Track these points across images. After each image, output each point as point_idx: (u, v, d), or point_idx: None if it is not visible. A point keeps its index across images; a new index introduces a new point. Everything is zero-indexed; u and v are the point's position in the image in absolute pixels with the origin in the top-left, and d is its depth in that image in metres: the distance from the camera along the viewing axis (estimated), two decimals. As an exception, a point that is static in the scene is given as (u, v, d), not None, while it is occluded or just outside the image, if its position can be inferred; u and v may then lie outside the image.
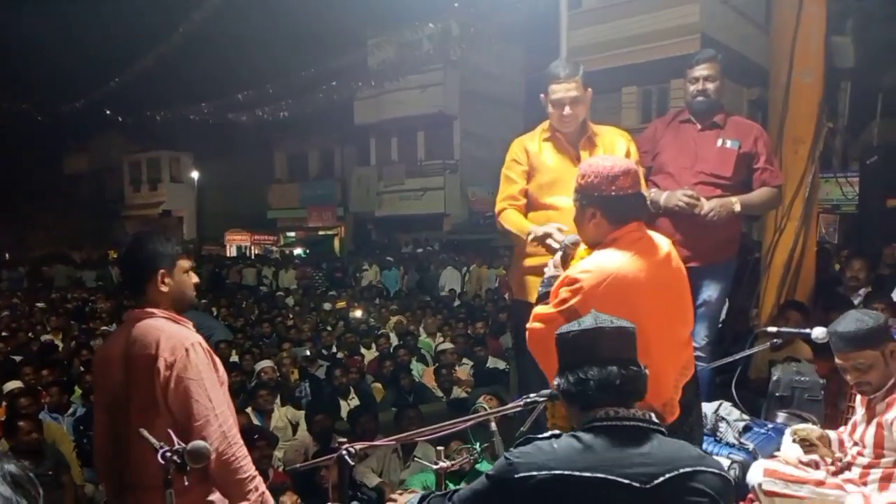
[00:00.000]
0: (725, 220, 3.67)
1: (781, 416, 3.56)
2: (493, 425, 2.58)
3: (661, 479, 1.66)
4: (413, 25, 15.02)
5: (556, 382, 1.85)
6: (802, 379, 3.72)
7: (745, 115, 4.67)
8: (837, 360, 2.70)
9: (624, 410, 1.75)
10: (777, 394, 3.74)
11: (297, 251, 26.52)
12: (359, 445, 2.28)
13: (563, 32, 6.79)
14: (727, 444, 3.29)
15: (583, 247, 2.60)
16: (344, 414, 6.12)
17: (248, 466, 2.31)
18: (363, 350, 8.72)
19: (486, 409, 2.62)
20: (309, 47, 19.55)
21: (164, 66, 17.50)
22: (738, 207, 3.68)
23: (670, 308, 2.42)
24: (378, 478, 4.79)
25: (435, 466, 2.44)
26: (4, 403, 5.52)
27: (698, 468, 1.70)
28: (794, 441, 2.87)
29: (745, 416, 3.46)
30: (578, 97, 3.29)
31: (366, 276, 17.81)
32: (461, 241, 20.66)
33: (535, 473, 1.67)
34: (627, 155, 3.39)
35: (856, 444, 2.78)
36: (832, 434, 2.90)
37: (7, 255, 27.00)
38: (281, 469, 4.90)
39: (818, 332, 2.89)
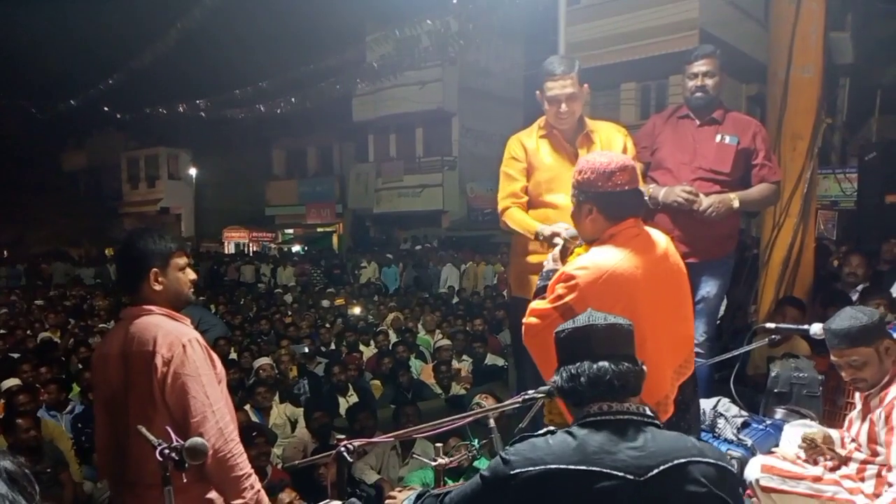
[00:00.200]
0: (724, 216, 3.67)
1: (780, 413, 3.56)
2: (492, 422, 2.58)
3: (655, 471, 1.66)
4: (412, 22, 14.98)
5: (552, 379, 1.86)
6: (801, 375, 3.71)
7: (743, 111, 4.68)
8: (832, 357, 2.71)
9: (617, 405, 1.75)
10: (775, 390, 3.74)
11: (296, 248, 26.52)
12: (357, 442, 2.28)
13: (562, 28, 6.76)
14: (725, 440, 3.29)
15: (580, 242, 2.60)
16: (342, 411, 6.13)
17: (244, 464, 2.30)
18: (362, 347, 8.72)
19: (483, 408, 2.62)
20: (307, 44, 19.52)
21: (162, 63, 17.47)
22: (736, 203, 3.68)
23: (667, 305, 2.41)
24: (377, 474, 4.80)
25: (433, 463, 2.44)
26: (3, 401, 5.52)
27: (693, 459, 1.70)
28: (800, 447, 2.87)
29: (744, 413, 3.46)
30: (575, 94, 3.28)
31: (364, 273, 17.81)
32: (460, 237, 20.66)
33: (529, 469, 1.68)
34: (624, 151, 3.39)
35: (853, 440, 2.78)
36: (834, 434, 2.90)
37: (5, 253, 26.98)
38: (280, 466, 4.90)
39: (816, 329, 2.88)
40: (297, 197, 27.21)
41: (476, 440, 2.79)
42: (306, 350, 8.32)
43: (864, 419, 2.71)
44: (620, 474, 1.65)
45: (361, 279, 17.29)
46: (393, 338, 8.97)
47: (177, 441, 1.93)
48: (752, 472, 2.83)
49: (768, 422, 3.46)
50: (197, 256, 21.66)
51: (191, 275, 2.51)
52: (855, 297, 4.81)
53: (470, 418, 2.42)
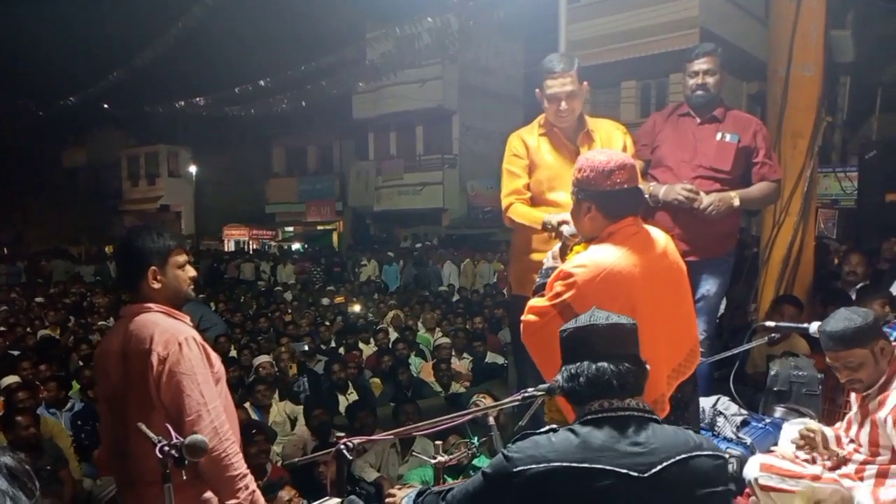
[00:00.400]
0: (724, 215, 3.67)
1: (779, 411, 3.56)
2: (492, 420, 2.58)
3: (658, 467, 1.67)
4: (412, 19, 14.96)
5: (555, 378, 1.87)
6: (800, 374, 3.71)
7: (744, 109, 4.66)
8: (828, 359, 2.70)
9: (617, 402, 1.76)
10: (775, 388, 3.74)
11: (296, 246, 26.52)
12: (357, 440, 2.27)
13: (562, 26, 6.76)
14: (725, 438, 3.29)
15: (580, 240, 2.59)
16: (342, 409, 6.13)
17: (238, 464, 2.29)
18: (361, 345, 8.72)
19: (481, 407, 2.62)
20: (307, 41, 19.49)
21: (162, 61, 17.45)
22: (737, 202, 3.68)
23: (666, 303, 2.41)
24: (376, 472, 4.80)
25: (433, 461, 2.44)
26: (2, 398, 5.52)
27: (694, 454, 1.72)
28: (793, 442, 2.87)
29: (743, 411, 3.46)
30: (574, 91, 3.28)
31: (364, 271, 17.81)
32: (460, 235, 20.66)
33: (532, 467, 1.68)
34: (624, 149, 3.38)
35: (851, 441, 2.78)
36: (828, 431, 2.90)
37: (5, 250, 26.98)
38: (279, 464, 4.90)
39: (816, 327, 2.88)
40: (297, 195, 27.21)
41: (476, 438, 2.79)
42: (306, 348, 8.32)
43: (863, 420, 2.70)
44: (624, 472, 1.66)
45: (361, 277, 17.29)
46: (393, 336, 8.97)
47: (177, 438, 1.92)
48: (752, 470, 2.83)
49: (767, 420, 3.46)
50: (197, 254, 21.66)
51: (190, 272, 2.50)
52: (854, 295, 4.81)
53: (469, 416, 2.42)
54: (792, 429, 3.06)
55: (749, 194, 3.77)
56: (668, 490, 1.68)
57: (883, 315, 3.76)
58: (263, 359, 7.02)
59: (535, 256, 3.32)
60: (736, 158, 3.76)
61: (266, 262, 20.88)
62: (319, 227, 27.58)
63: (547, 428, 1.80)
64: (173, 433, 1.96)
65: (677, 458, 1.69)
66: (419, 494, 2.09)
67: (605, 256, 2.32)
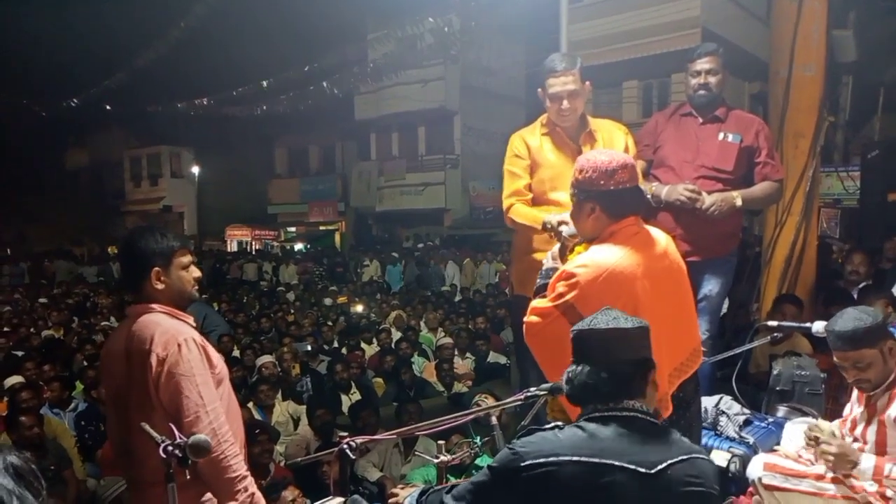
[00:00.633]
0: (726, 215, 3.67)
1: (782, 411, 3.56)
2: (494, 419, 2.59)
3: (664, 464, 1.70)
4: (413, 20, 14.96)
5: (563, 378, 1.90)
6: (803, 373, 3.72)
7: (745, 109, 4.67)
8: (835, 359, 2.69)
9: (613, 404, 1.78)
10: (777, 388, 3.74)
11: (298, 246, 26.54)
12: (360, 439, 2.28)
13: (564, 26, 6.74)
14: (728, 437, 3.29)
15: (580, 240, 2.60)
16: (345, 409, 6.13)
17: (237, 466, 2.28)
18: (364, 345, 8.73)
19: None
20: (309, 42, 19.51)
21: (164, 61, 17.47)
22: (739, 202, 3.68)
23: (667, 303, 2.41)
24: (379, 472, 4.80)
25: (436, 461, 2.45)
26: (6, 398, 5.53)
27: (693, 455, 1.77)
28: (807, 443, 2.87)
29: (746, 410, 3.46)
30: (576, 90, 3.28)
31: (367, 271, 17.82)
32: (462, 235, 20.66)
33: (541, 461, 1.70)
34: (626, 149, 3.38)
35: (856, 440, 2.78)
36: (835, 426, 2.90)
37: (8, 251, 27.02)
38: (282, 464, 4.90)
39: (818, 326, 2.88)
40: (299, 195, 27.23)
41: (478, 438, 2.79)
42: (309, 348, 8.33)
43: (870, 419, 2.69)
44: (631, 467, 1.68)
45: (364, 277, 17.30)
46: (395, 336, 8.97)
47: (180, 438, 1.93)
48: (755, 469, 2.83)
49: (770, 420, 3.46)
50: (199, 255, 21.66)
51: (195, 273, 2.50)
52: (855, 294, 4.80)
53: (472, 416, 2.43)
54: (795, 428, 3.06)
55: (751, 194, 3.77)
56: (670, 487, 1.71)
57: (886, 315, 3.76)
58: (266, 359, 7.03)
59: (537, 256, 3.32)
60: (738, 158, 3.76)
61: (269, 262, 20.89)
62: (322, 228, 27.59)
63: (552, 424, 1.82)
64: (177, 433, 1.97)
65: (679, 457, 1.73)
66: (422, 493, 2.10)
67: (607, 256, 2.33)
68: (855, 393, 2.83)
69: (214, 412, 2.26)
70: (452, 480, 2.48)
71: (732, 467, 3.10)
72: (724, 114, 3.85)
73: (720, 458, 3.11)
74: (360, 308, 11.81)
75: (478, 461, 3.61)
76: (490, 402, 4.06)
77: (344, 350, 8.47)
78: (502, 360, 7.81)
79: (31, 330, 10.08)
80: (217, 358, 2.43)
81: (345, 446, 2.20)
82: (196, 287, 2.53)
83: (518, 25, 18.54)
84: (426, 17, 14.69)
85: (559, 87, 3.27)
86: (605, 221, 2.40)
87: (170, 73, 19.68)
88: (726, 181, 3.75)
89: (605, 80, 14.18)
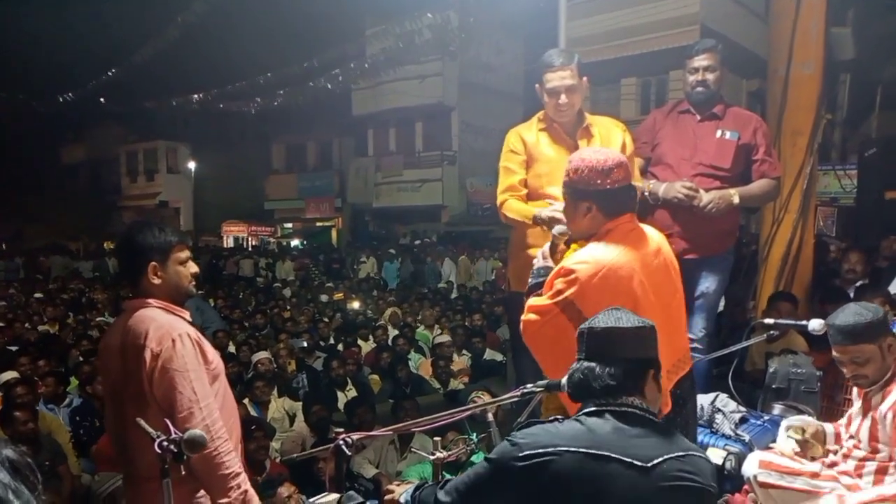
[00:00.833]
0: (724, 212, 3.66)
1: (778, 408, 3.57)
2: (490, 416, 2.58)
3: (659, 459, 1.72)
4: (412, 16, 14.94)
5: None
6: (799, 371, 3.72)
7: (743, 106, 4.67)
8: (835, 353, 2.70)
9: (611, 399, 1.79)
10: (773, 385, 3.74)
11: (295, 242, 26.51)
12: (356, 436, 2.28)
13: (562, 23, 6.73)
14: (723, 435, 3.29)
15: (570, 238, 2.59)
16: (341, 405, 6.13)
17: (230, 462, 2.26)
18: (360, 341, 8.72)
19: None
20: (307, 37, 19.46)
21: (161, 57, 17.41)
22: (736, 199, 3.67)
23: (663, 300, 2.42)
24: (375, 469, 4.80)
25: (432, 457, 2.44)
26: (1, 394, 5.51)
27: (689, 452, 1.79)
28: (788, 435, 2.88)
29: (742, 408, 3.46)
30: (574, 85, 3.28)
31: (363, 268, 17.82)
32: (459, 232, 20.66)
33: (539, 451, 1.72)
34: (623, 146, 3.38)
35: (851, 436, 2.78)
36: (829, 427, 2.90)
37: (4, 246, 26.96)
38: (278, 460, 4.90)
39: (815, 324, 2.88)
40: (296, 191, 27.20)
41: (474, 434, 2.79)
42: (305, 344, 8.32)
43: (864, 416, 2.70)
44: (629, 460, 1.70)
45: (360, 274, 17.30)
46: (392, 333, 8.97)
47: (175, 433, 1.92)
48: (750, 467, 2.84)
49: (766, 417, 3.46)
50: (195, 251, 21.62)
51: (192, 268, 2.49)
52: (852, 293, 4.81)
53: (468, 412, 2.43)
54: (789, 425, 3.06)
55: (749, 192, 3.76)
56: (666, 481, 1.72)
57: (886, 312, 3.77)
58: (262, 355, 7.01)
59: (533, 252, 3.31)
60: (736, 156, 3.75)
61: (265, 258, 20.86)
62: (318, 224, 27.58)
63: (552, 417, 1.85)
64: (172, 428, 1.96)
65: (676, 453, 1.75)
66: (417, 489, 2.10)
67: (604, 253, 2.33)
68: (855, 390, 2.83)
69: (208, 408, 2.26)
70: (448, 477, 2.47)
71: (728, 465, 3.10)
72: (722, 111, 3.84)
73: (716, 455, 3.11)
74: (356, 305, 11.81)
75: (473, 458, 3.61)
76: (486, 398, 4.05)
77: (340, 346, 8.47)
78: (499, 357, 7.82)
79: (27, 325, 10.05)
80: (212, 353, 2.42)
81: (341, 442, 2.19)
82: (193, 282, 2.52)
83: (517, 22, 18.52)
84: (424, 13, 14.67)
85: (556, 82, 3.27)
86: (601, 220, 2.40)
87: (167, 69, 19.62)
88: (724, 178, 3.74)
89: (603, 76, 14.16)
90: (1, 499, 0.95)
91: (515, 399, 2.27)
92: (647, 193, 3.66)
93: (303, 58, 17.41)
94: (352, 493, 2.42)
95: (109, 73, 18.61)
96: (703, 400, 3.42)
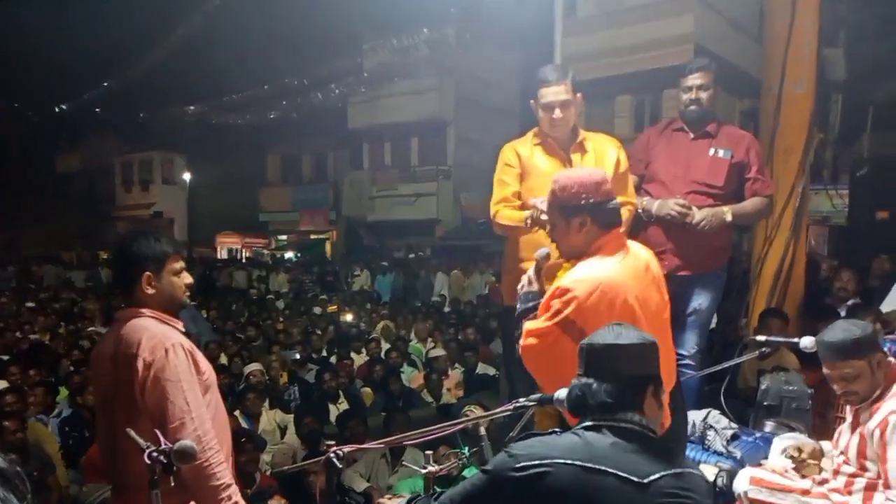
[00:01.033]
0: (717, 230, 3.69)
1: (769, 426, 3.58)
2: (483, 430, 2.58)
3: (656, 475, 1.72)
4: (409, 31, 15.05)
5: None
6: (790, 388, 3.73)
7: (736, 125, 4.71)
8: (825, 370, 2.71)
9: (609, 415, 1.79)
10: (765, 403, 3.76)
11: (289, 255, 26.45)
12: (347, 448, 2.26)
13: (558, 40, 6.81)
14: (715, 451, 3.30)
15: (549, 260, 2.60)
16: (333, 418, 6.10)
17: (222, 474, 2.25)
18: (353, 354, 8.70)
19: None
20: (304, 51, 19.57)
21: (158, 68, 17.48)
22: (729, 217, 3.70)
23: (656, 313, 2.43)
24: (366, 482, 4.78)
25: (423, 471, 2.43)
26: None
27: (686, 470, 1.79)
28: (785, 456, 2.89)
29: (734, 425, 3.47)
30: (568, 101, 3.31)
31: (357, 280, 17.79)
32: (453, 246, 20.66)
33: (536, 462, 1.71)
34: (618, 163, 3.42)
35: (841, 453, 2.79)
36: (826, 445, 2.92)
37: (-4, 254, 26.80)
38: (268, 472, 4.87)
39: (806, 342, 2.90)
40: (290, 203, 27.18)
41: (466, 448, 2.78)
42: (297, 356, 8.29)
43: (853, 432, 2.71)
44: (625, 475, 1.70)
45: (354, 287, 17.27)
46: (385, 346, 8.95)
47: (165, 444, 1.91)
48: (741, 484, 2.84)
49: (758, 434, 3.47)
50: (189, 262, 21.49)
51: (187, 279, 2.48)
52: (843, 312, 4.84)
53: (460, 426, 2.42)
54: (782, 443, 3.07)
55: (741, 209, 3.79)
56: (662, 498, 1.72)
57: (875, 329, 3.79)
58: (254, 367, 6.97)
59: (527, 266, 3.33)
60: (729, 174, 3.79)
61: (259, 270, 20.81)
62: (313, 236, 27.54)
63: (549, 430, 1.85)
64: (162, 439, 1.95)
65: (672, 470, 1.75)
66: (409, 502, 2.09)
67: (599, 270, 2.34)
68: (848, 407, 2.84)
69: (200, 419, 2.24)
70: (441, 490, 2.46)
71: (720, 481, 3.11)
72: (716, 129, 3.88)
73: (708, 471, 3.11)
74: (349, 317, 11.78)
75: (465, 472, 3.59)
76: (479, 412, 4.04)
77: (333, 359, 8.44)
78: (491, 371, 7.80)
79: (18, 334, 9.98)
80: (205, 364, 2.41)
81: (332, 455, 2.18)
82: (187, 293, 2.51)
83: (513, 38, 18.66)
84: (422, 28, 14.78)
85: (551, 97, 3.31)
86: (594, 234, 2.41)
87: (164, 80, 19.69)
88: (717, 196, 3.77)
89: (597, 94, 14.22)
90: None
91: (508, 413, 2.27)
92: (640, 210, 3.69)
93: (299, 70, 17.50)
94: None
95: (107, 83, 18.66)
96: (696, 416, 3.43)
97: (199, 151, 28.27)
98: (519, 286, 2.70)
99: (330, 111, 20.73)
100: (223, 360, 7.80)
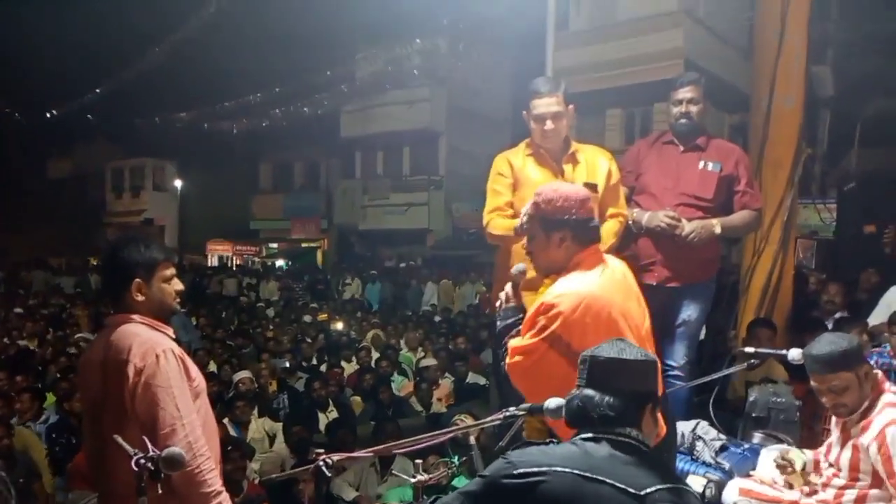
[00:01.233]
0: (706, 242, 3.72)
1: (758, 437, 3.59)
2: (473, 439, 2.58)
3: (651, 488, 1.72)
4: (402, 41, 15.12)
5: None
6: (779, 400, 3.75)
7: (726, 139, 4.76)
8: (813, 383, 2.73)
9: (614, 427, 1.80)
10: (753, 414, 3.77)
11: (280, 262, 26.37)
12: (336, 457, 2.26)
13: (550, 53, 6.86)
14: (704, 462, 3.31)
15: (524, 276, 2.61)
16: (322, 427, 6.08)
17: (212, 481, 2.24)
18: (343, 363, 8.68)
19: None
20: (297, 59, 19.60)
21: (151, 74, 17.46)
22: (718, 229, 3.73)
23: (639, 325, 2.45)
24: (355, 492, 4.76)
25: (413, 480, 2.43)
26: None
27: (681, 486, 1.81)
28: (776, 464, 2.90)
29: (722, 436, 3.48)
30: (560, 112, 3.34)
31: (348, 289, 17.76)
32: (444, 256, 20.68)
33: (534, 469, 1.73)
34: (609, 174, 3.45)
35: (831, 465, 2.81)
36: (809, 454, 2.93)
37: (-15, 260, 26.57)
38: (257, 481, 4.84)
39: (794, 354, 2.92)
40: (282, 211, 27.14)
41: (456, 458, 2.78)
42: (287, 364, 8.26)
43: (843, 445, 2.72)
44: (622, 486, 1.71)
45: (345, 295, 17.24)
46: (375, 355, 8.93)
47: (153, 451, 1.90)
48: (730, 495, 2.86)
49: (746, 446, 3.48)
50: (179, 269, 21.34)
51: (177, 285, 2.47)
52: (831, 324, 4.87)
53: (450, 434, 2.42)
54: (770, 455, 3.09)
55: (730, 222, 3.83)
56: None
57: (862, 342, 3.82)
58: (243, 374, 6.95)
59: None
60: (718, 187, 3.82)
61: (249, 278, 20.73)
62: (304, 245, 27.48)
63: (547, 440, 1.85)
64: (150, 446, 1.94)
65: (667, 484, 1.76)
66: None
67: (581, 284, 2.36)
68: (833, 419, 2.86)
69: (191, 425, 2.23)
70: (436, 496, 2.46)
71: (708, 492, 3.12)
72: (705, 143, 3.91)
73: (696, 482, 3.13)
74: (340, 326, 11.76)
75: (454, 481, 3.59)
76: (469, 421, 4.04)
77: (323, 367, 8.41)
78: (481, 380, 7.80)
79: (6, 340, 9.90)
80: (195, 371, 2.40)
81: (321, 464, 2.17)
82: (178, 300, 2.50)
83: (505, 49, 18.77)
84: (414, 39, 14.84)
85: (543, 108, 3.33)
86: (573, 250, 2.42)
87: (156, 87, 19.66)
88: (706, 209, 3.80)
89: (588, 107, 14.31)
90: None
91: (498, 422, 2.28)
92: (630, 222, 3.72)
93: (293, 79, 17.52)
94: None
95: (98, 90, 18.61)
96: (684, 427, 3.44)
97: (191, 158, 28.18)
98: (497, 303, 2.70)
99: (322, 120, 20.76)
100: (212, 367, 7.76)
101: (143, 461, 1.87)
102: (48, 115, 19.96)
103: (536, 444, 1.85)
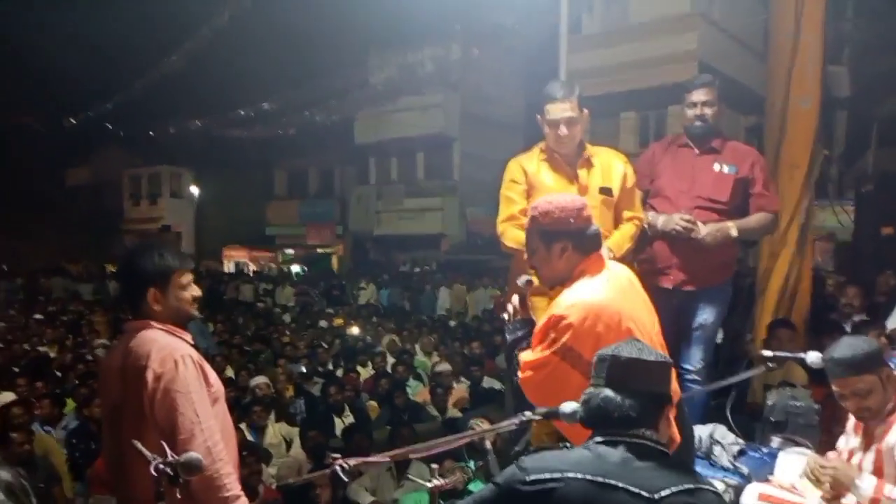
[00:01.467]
0: (722, 245, 3.70)
1: (776, 441, 3.56)
2: (488, 444, 2.58)
3: (667, 491, 1.72)
4: (415, 47, 15.17)
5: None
6: (797, 404, 3.72)
7: (742, 141, 4.74)
8: (835, 388, 2.67)
9: (624, 430, 1.80)
10: (772, 418, 3.74)
11: (295, 268, 26.50)
12: (352, 461, 2.27)
13: (563, 56, 6.83)
14: (722, 467, 3.29)
15: (531, 287, 2.60)
16: (338, 431, 6.10)
17: (231, 485, 2.26)
18: (359, 368, 8.70)
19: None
20: (311, 66, 19.73)
21: (167, 82, 17.63)
22: (734, 232, 3.71)
23: (650, 330, 2.44)
24: (371, 496, 4.76)
25: (429, 485, 2.44)
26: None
27: (700, 486, 1.78)
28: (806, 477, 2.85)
29: (740, 440, 3.46)
30: (574, 117, 3.33)
31: (363, 294, 17.81)
32: (459, 261, 20.68)
33: (546, 476, 1.73)
34: (624, 177, 3.43)
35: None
36: (831, 454, 2.90)
37: (4, 267, 26.92)
38: (274, 486, 4.86)
39: (813, 357, 2.89)
40: (297, 217, 27.28)
41: (472, 462, 2.78)
42: (303, 370, 8.29)
43: (867, 449, 2.69)
44: (636, 490, 1.70)
45: (360, 300, 17.29)
46: (390, 360, 8.95)
47: (172, 456, 1.91)
48: (749, 499, 2.84)
49: (764, 450, 3.46)
50: (197, 275, 21.51)
51: (194, 291, 2.49)
52: (849, 327, 4.82)
53: (467, 439, 2.43)
54: (788, 459, 3.06)
55: (747, 225, 3.80)
56: None
57: (881, 344, 3.78)
58: (260, 380, 6.99)
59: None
60: (734, 189, 3.80)
61: (265, 283, 20.84)
62: (319, 250, 27.59)
63: (561, 445, 1.84)
64: (168, 451, 1.96)
65: (684, 486, 1.74)
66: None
67: (589, 294, 2.35)
68: (849, 424, 2.83)
69: (210, 430, 2.25)
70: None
71: (727, 497, 3.09)
72: (720, 145, 3.89)
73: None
74: (355, 331, 11.79)
75: (470, 486, 3.59)
76: (485, 426, 4.04)
77: (339, 372, 8.44)
78: (497, 385, 7.78)
79: (25, 346, 10.02)
80: (214, 376, 2.42)
81: (337, 468, 2.18)
82: (195, 306, 2.51)
83: (518, 54, 18.77)
84: (427, 45, 14.89)
85: (557, 113, 3.32)
86: (576, 259, 2.42)
87: (173, 95, 19.84)
88: (721, 212, 3.78)
89: (602, 110, 14.24)
90: None
91: (514, 427, 2.28)
92: (646, 225, 3.70)
93: (306, 86, 17.62)
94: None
95: (115, 99, 18.83)
96: (702, 432, 3.42)
97: (207, 165, 28.43)
98: (504, 316, 2.70)
99: (337, 126, 20.87)
100: (229, 372, 7.81)
101: (162, 466, 1.89)
102: (66, 123, 20.20)
103: (549, 450, 1.84)
